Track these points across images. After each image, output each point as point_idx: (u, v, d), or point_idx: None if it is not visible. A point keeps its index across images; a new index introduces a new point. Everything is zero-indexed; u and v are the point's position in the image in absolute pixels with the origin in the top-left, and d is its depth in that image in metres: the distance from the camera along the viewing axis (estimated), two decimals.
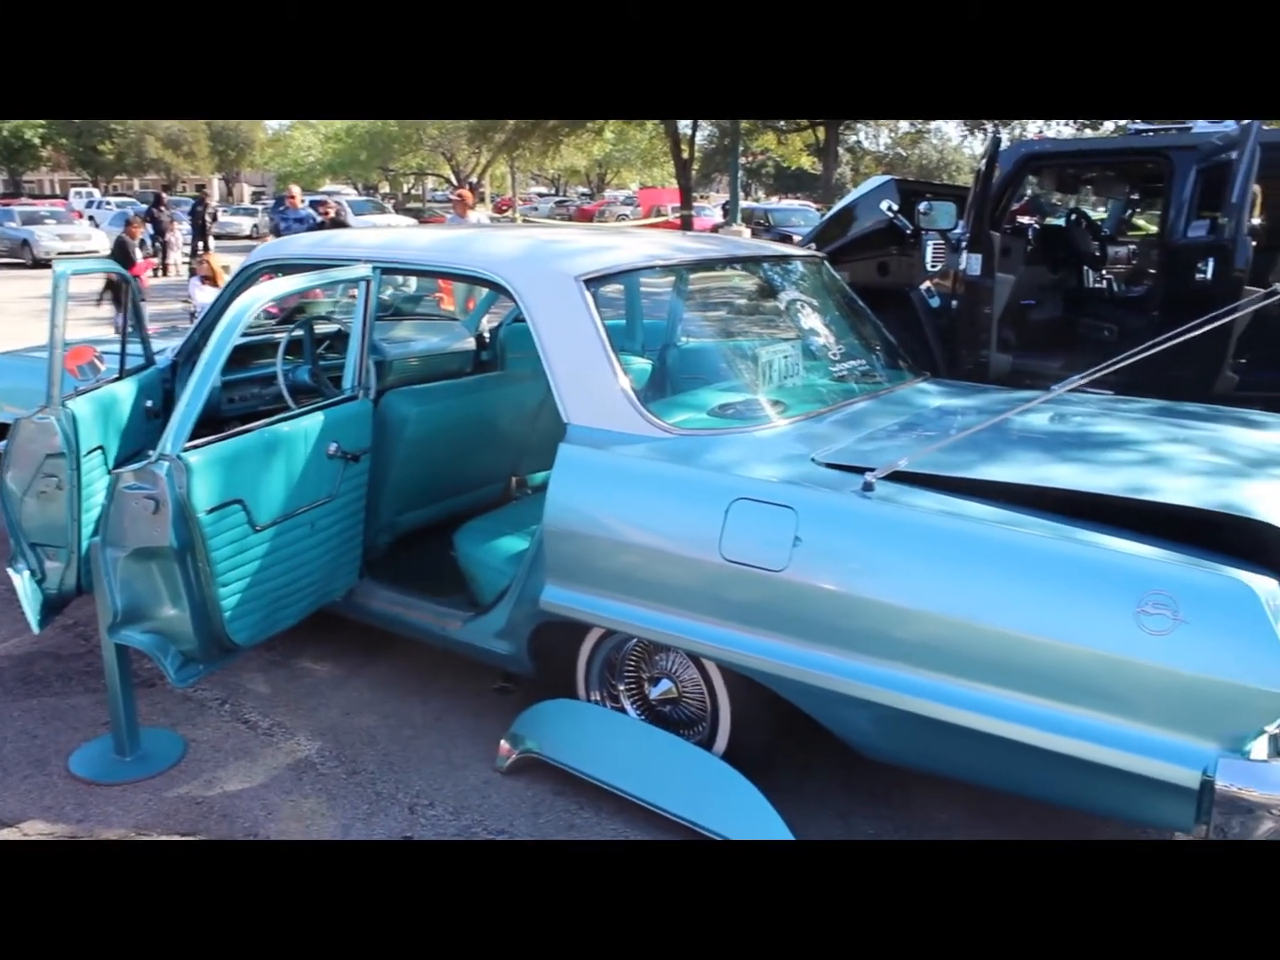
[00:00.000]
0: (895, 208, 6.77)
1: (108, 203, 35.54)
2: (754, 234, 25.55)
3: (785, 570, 2.67)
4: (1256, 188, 6.08)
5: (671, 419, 3.12)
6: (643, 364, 4.30)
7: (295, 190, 13.52)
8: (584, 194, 55.61)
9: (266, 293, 3.14)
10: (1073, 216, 7.45)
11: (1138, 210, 9.02)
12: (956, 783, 2.95)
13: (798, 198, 46.27)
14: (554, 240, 3.70)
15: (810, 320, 3.95)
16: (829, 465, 2.85)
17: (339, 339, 4.49)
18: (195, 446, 2.91)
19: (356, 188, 47.91)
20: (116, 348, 4.00)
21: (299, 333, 4.28)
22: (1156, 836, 2.98)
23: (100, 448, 3.62)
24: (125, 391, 3.83)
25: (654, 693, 3.18)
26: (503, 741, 3.30)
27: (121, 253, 11.96)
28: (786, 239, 20.37)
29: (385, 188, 52.14)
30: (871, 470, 2.69)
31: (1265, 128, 5.38)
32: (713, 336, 3.94)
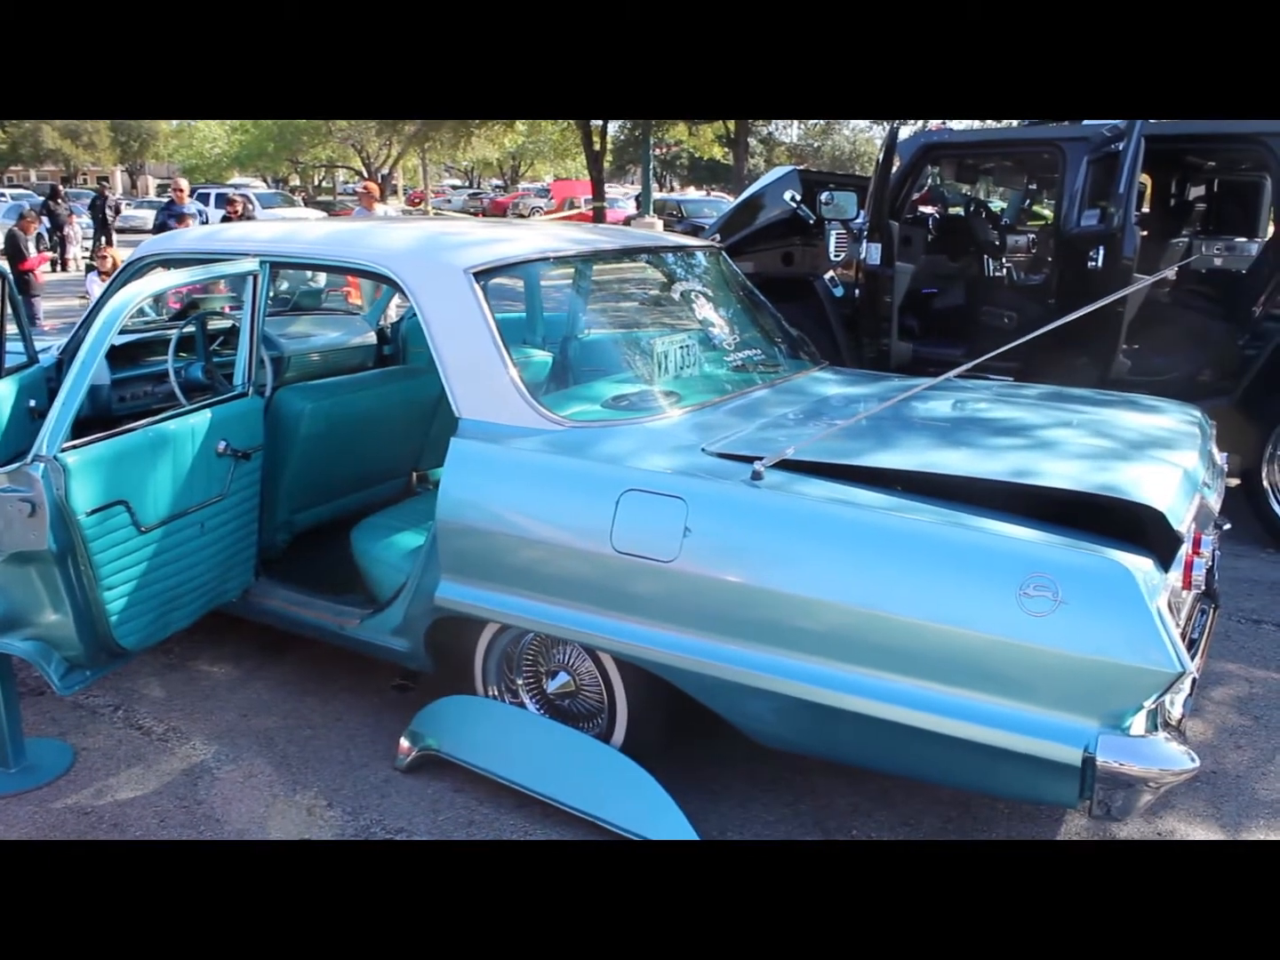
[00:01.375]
0: (798, 198, 6.81)
1: (1, 194, 34.49)
2: (667, 225, 25.61)
3: (675, 561, 2.67)
4: (1145, 179, 6.24)
5: (564, 411, 3.10)
6: (543, 357, 4.28)
7: (182, 184, 12.78)
8: (498, 186, 55.16)
9: (146, 288, 3.07)
10: (972, 206, 7.56)
11: (1037, 200, 9.19)
12: (856, 768, 2.98)
13: (712, 189, 46.47)
14: (445, 233, 3.65)
15: (707, 310, 3.95)
16: (719, 455, 2.84)
17: (236, 335, 4.39)
18: (75, 446, 2.83)
19: (265, 180, 47.00)
20: None
21: (191, 328, 4.18)
22: (1050, 823, 3.06)
23: None
24: (5, 391, 3.71)
25: (551, 687, 3.17)
26: (402, 739, 3.26)
27: (13, 247, 11.59)
28: (698, 230, 20.45)
29: (295, 180, 51.20)
30: (760, 459, 2.70)
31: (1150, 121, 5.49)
32: (611, 328, 3.93)
